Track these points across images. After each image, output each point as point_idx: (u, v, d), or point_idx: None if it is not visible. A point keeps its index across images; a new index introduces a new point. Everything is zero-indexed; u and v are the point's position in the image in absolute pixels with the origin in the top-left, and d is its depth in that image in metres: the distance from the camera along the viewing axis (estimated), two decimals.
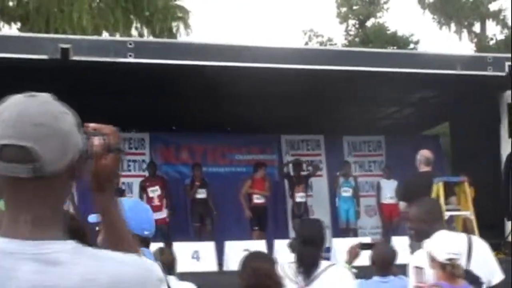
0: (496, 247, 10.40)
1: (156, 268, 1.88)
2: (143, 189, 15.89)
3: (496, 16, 39.36)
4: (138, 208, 3.80)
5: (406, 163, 17.21)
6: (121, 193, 15.58)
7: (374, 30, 43.56)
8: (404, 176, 16.90)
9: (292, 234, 16.95)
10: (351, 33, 45.61)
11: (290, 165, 17.14)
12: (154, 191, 15.70)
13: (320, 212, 16.97)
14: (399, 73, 14.39)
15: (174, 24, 19.96)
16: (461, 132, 18.53)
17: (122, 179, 16.48)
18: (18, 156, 1.78)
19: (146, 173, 16.82)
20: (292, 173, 16.72)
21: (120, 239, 2.26)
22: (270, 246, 13.70)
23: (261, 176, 16.17)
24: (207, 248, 13.77)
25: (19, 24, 21.06)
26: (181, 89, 14.98)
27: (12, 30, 21.02)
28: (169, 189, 16.05)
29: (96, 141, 2.13)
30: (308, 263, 5.56)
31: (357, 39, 43.58)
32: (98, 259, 1.82)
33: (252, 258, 4.65)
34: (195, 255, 13.48)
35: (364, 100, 17.46)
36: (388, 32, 43.36)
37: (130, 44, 12.89)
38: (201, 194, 15.94)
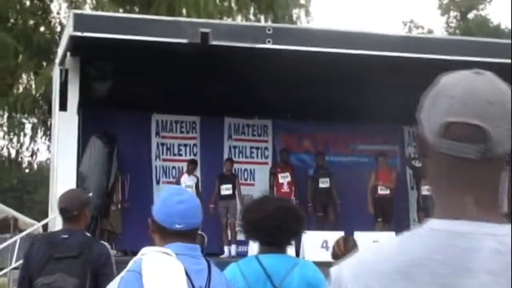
0: None
1: None
2: (273, 175, 15.83)
3: None
4: (171, 200, 3.64)
5: None
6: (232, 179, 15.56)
7: (476, 22, 42.75)
8: None
9: (413, 227, 16.64)
10: (452, 25, 44.90)
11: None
12: (285, 178, 15.65)
13: None
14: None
15: (294, 11, 19.86)
16: None
17: (245, 166, 16.44)
18: (469, 135, 1.65)
19: (269, 160, 16.81)
20: (418, 165, 16.40)
21: None
22: None
23: (386, 166, 15.94)
24: (336, 238, 13.62)
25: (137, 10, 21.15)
26: (310, 76, 14.79)
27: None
28: (297, 177, 15.94)
29: None
30: None
31: (457, 31, 42.81)
32: None
33: None
34: (324, 244, 13.34)
35: None
36: (491, 25, 42.52)
37: (269, 30, 12.80)
38: (324, 183, 15.77)
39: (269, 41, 12.68)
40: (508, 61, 13.81)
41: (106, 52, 13.56)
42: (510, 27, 42.20)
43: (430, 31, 44.49)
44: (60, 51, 13.98)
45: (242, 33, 12.82)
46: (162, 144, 16.50)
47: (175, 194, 3.73)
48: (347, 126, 17.48)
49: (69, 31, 12.32)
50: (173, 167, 16.40)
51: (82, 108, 14.23)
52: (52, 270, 5.54)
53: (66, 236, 5.75)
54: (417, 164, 16.47)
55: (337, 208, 15.82)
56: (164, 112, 16.57)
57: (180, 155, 16.51)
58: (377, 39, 14.03)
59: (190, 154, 16.48)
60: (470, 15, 44.28)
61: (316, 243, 13.51)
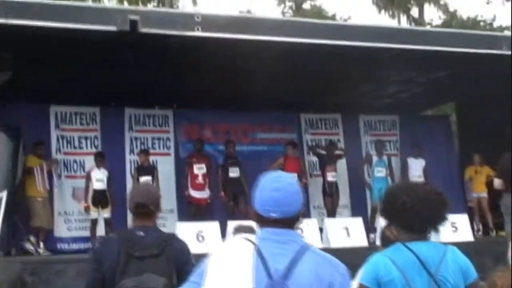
0: None
1: None
2: (189, 165, 15.53)
3: (436, 1, 39.89)
4: (267, 187, 3.58)
5: (419, 142, 17.46)
6: (151, 170, 15.21)
7: (312, 12, 43.65)
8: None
9: (315, 213, 16.88)
10: (288, 15, 45.62)
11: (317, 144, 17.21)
12: (200, 169, 15.40)
13: (341, 191, 16.90)
14: (408, 50, 14.38)
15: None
16: (467, 112, 18.93)
17: (150, 158, 16.01)
18: None
19: (171, 151, 16.57)
20: (323, 152, 16.63)
21: None
22: None
23: (293, 155, 16.04)
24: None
25: None
26: (211, 65, 14.59)
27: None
28: (212, 169, 15.73)
29: None
30: None
31: None
32: None
33: None
34: None
35: (375, 78, 17.54)
36: (327, 15, 43.55)
37: (198, 17, 12.52)
38: (234, 172, 15.65)
39: (198, 29, 12.41)
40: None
41: (7, 40, 12.85)
42: (344, 17, 43.53)
43: None
44: None
45: (171, 20, 12.46)
46: (62, 137, 15.80)
47: (271, 181, 3.59)
48: (246, 115, 17.48)
49: None
50: (74, 161, 15.80)
51: None
52: (137, 270, 5.19)
53: (142, 233, 5.40)
54: (322, 151, 16.71)
55: (247, 198, 15.70)
56: (62, 103, 15.88)
57: (81, 148, 15.92)
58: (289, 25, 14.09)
59: (91, 147, 15.93)
60: (305, 5, 45.17)
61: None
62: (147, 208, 5.44)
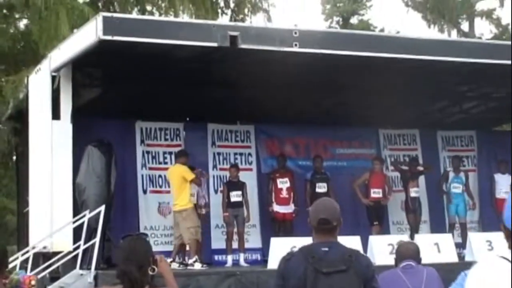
0: None
1: None
2: (272, 180, 15.54)
3: (489, 15, 39.64)
4: None
5: (503, 158, 17.26)
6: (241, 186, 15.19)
7: (361, 27, 43.57)
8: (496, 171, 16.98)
9: (394, 229, 16.83)
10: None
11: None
12: (284, 183, 15.40)
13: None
14: (489, 65, 14.23)
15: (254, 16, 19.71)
16: None
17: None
18: None
19: (253, 166, 16.61)
20: (406, 168, 16.54)
21: None
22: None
23: (379, 170, 16.02)
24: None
25: None
26: (291, 80, 14.62)
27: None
28: (296, 183, 15.70)
29: None
30: None
31: None
32: None
33: None
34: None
35: (452, 94, 17.46)
36: (375, 29, 43.49)
37: (295, 33, 12.56)
38: (322, 188, 15.58)
39: (296, 45, 12.46)
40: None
41: (99, 57, 12.96)
42: (392, 32, 43.25)
43: None
44: (62, 56, 13.18)
45: (270, 36, 12.51)
46: (148, 152, 15.88)
47: None
48: (325, 130, 17.48)
49: (98, 34, 11.59)
50: (159, 176, 15.81)
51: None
52: (326, 286, 5.18)
53: (326, 248, 5.40)
54: (404, 167, 16.63)
55: None
56: (147, 119, 15.97)
57: (166, 163, 15.91)
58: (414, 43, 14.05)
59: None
60: (353, 20, 45.14)
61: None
62: (331, 224, 5.44)
